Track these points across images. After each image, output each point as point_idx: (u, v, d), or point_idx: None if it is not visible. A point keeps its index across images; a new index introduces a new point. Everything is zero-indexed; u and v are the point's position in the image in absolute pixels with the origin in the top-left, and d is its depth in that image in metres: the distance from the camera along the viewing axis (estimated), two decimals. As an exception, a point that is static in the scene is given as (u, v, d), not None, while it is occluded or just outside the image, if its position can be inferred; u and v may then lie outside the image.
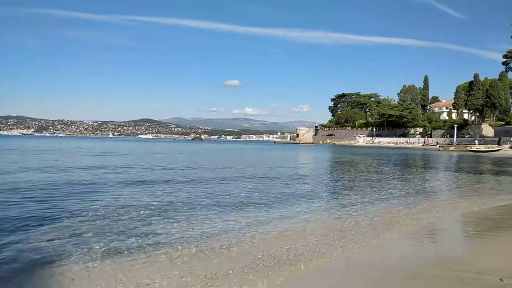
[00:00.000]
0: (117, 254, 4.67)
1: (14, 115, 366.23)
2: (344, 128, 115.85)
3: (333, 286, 3.95)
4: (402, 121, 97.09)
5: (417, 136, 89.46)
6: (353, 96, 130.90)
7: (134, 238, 5.33)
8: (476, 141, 57.48)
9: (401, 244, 5.44)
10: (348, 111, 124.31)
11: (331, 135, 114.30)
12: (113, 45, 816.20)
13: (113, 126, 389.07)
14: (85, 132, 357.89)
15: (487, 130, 76.85)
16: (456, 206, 8.78)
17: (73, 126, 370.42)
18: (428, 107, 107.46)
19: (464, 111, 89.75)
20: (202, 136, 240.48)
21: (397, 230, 6.18)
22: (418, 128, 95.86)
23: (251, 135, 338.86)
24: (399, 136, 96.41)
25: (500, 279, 3.88)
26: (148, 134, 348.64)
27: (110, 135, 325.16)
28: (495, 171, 20.79)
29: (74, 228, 5.79)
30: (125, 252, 4.75)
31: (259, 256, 4.69)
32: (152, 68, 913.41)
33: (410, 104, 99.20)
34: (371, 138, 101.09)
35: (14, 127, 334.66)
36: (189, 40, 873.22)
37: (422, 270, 4.33)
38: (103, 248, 4.86)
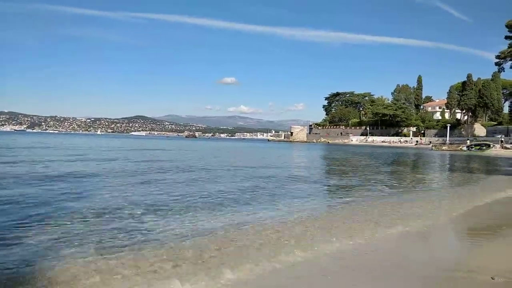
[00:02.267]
0: (111, 252, 4.58)
1: (6, 111, 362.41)
2: (338, 126, 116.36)
3: (329, 282, 3.89)
4: (396, 120, 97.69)
5: (411, 136, 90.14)
6: (347, 95, 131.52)
7: (127, 236, 5.25)
8: (468, 141, 57.92)
9: (393, 244, 5.40)
10: (342, 110, 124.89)
11: (325, 133, 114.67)
12: (107, 42, 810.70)
13: (106, 123, 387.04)
14: (78, 128, 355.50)
15: (480, 130, 77.60)
16: (448, 206, 8.77)
17: (65, 123, 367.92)
18: (422, 107, 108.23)
19: (457, 111, 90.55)
20: (196, 134, 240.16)
21: (389, 230, 6.14)
22: (411, 127, 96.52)
23: (245, 133, 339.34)
24: (393, 135, 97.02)
25: (492, 278, 3.87)
26: (142, 131, 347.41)
27: (99, 132, 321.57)
28: (487, 170, 20.97)
29: (68, 226, 5.70)
30: (118, 250, 4.65)
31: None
32: (149, 66, 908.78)
33: (403, 103, 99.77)
34: (365, 137, 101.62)
35: (6, 123, 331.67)
36: (188, 37, 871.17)
37: (414, 269, 4.30)
38: (97, 246, 4.77)
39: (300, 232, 5.67)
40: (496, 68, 69.18)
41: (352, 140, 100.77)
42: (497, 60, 65.53)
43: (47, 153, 24.39)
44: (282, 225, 6.09)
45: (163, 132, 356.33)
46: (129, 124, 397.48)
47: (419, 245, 5.39)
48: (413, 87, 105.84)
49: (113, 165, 16.72)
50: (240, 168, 17.25)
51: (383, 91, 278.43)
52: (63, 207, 7.05)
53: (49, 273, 3.91)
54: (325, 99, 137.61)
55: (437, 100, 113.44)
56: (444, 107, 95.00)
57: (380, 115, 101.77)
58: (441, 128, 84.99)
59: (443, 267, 4.32)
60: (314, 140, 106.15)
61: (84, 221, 6.01)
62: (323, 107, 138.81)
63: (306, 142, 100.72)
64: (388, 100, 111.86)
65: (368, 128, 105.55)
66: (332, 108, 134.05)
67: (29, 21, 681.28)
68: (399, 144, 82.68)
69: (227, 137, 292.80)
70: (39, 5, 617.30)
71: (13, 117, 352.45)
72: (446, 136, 73.29)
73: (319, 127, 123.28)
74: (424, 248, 5.24)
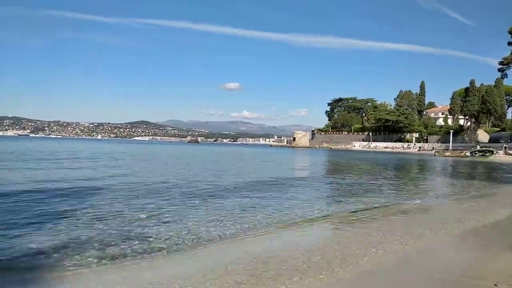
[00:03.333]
0: (113, 258, 4.63)
1: (9, 116, 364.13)
2: (340, 132, 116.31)
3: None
4: (398, 126, 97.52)
5: (413, 142, 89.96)
6: (350, 101, 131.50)
7: (129, 242, 5.30)
8: (478, 146, 57.87)
9: (394, 249, 5.42)
10: (345, 115, 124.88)
11: (327, 139, 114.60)
12: (111, 47, 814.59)
13: (110, 128, 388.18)
14: (81, 133, 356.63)
15: (483, 136, 77.35)
16: (453, 211, 8.78)
17: (69, 128, 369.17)
18: (424, 113, 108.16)
19: (460, 117, 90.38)
20: (199, 139, 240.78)
21: (391, 233, 6.16)
22: (414, 133, 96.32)
23: (247, 138, 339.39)
24: (395, 141, 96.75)
25: (495, 285, 3.88)
26: (145, 137, 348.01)
27: (99, 137, 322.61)
28: (492, 177, 20.94)
29: (71, 231, 5.75)
30: (120, 256, 4.70)
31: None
32: (152, 71, 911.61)
33: (406, 109, 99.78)
34: (367, 142, 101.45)
35: (10, 128, 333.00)
36: (191, 43, 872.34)
37: (417, 274, 4.32)
38: (99, 251, 4.81)
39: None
40: (499, 74, 69.24)
41: (354, 146, 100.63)
42: (500, 66, 65.55)
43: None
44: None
45: (166, 137, 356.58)
46: (132, 129, 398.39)
47: (424, 249, 5.40)
48: (416, 93, 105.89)
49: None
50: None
51: (386, 97, 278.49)
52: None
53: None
54: (328, 105, 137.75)
55: (440, 106, 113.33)
56: (447, 113, 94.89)
57: (383, 120, 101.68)
58: (444, 134, 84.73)
59: (446, 271, 4.33)
60: (317, 146, 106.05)
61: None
62: (326, 112, 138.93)
63: (308, 147, 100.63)
64: (391, 106, 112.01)
65: (370, 134, 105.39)
66: (334, 113, 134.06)
67: (34, 25, 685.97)
68: (402, 150, 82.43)
69: (230, 142, 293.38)
70: (43, 11, 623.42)
71: (16, 122, 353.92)
72: (449, 142, 73.07)
73: (321, 133, 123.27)
74: (427, 252, 5.25)
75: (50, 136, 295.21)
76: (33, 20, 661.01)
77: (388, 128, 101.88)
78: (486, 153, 49.55)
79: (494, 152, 49.44)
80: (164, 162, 26.48)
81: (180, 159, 30.53)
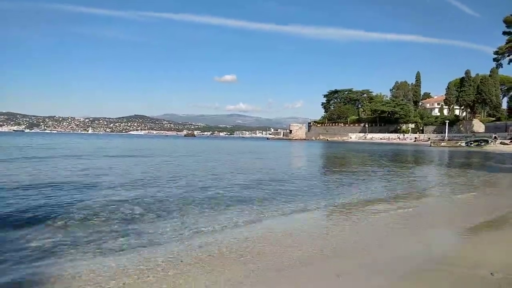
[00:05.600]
0: (109, 254, 4.59)
1: (4, 111, 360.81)
2: (336, 124, 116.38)
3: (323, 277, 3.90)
4: (394, 117, 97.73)
5: (410, 133, 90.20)
6: (346, 92, 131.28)
7: (126, 237, 5.26)
8: (472, 136, 58.27)
9: (392, 239, 5.42)
10: (341, 107, 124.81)
11: (324, 131, 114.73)
12: (105, 40, 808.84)
13: (105, 123, 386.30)
14: (76, 128, 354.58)
15: (478, 126, 77.65)
16: (447, 201, 8.80)
17: (64, 123, 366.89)
18: (420, 103, 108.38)
19: (455, 107, 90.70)
20: (195, 133, 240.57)
21: (387, 224, 6.16)
22: (410, 124, 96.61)
23: (244, 131, 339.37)
24: (391, 132, 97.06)
25: (491, 273, 3.87)
26: (140, 131, 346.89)
27: (90, 131, 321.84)
28: (487, 165, 21.06)
29: (67, 227, 5.70)
30: (117, 252, 4.66)
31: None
32: (147, 64, 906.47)
33: (402, 100, 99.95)
34: (364, 134, 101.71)
35: (4, 123, 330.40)
36: (187, 35, 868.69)
37: (413, 264, 4.31)
38: (95, 247, 4.77)
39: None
40: (494, 64, 69.24)
41: (351, 138, 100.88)
42: (495, 56, 65.49)
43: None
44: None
45: (162, 131, 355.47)
46: (128, 123, 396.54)
47: (418, 238, 5.41)
48: (412, 83, 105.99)
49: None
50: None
51: (382, 88, 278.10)
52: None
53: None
54: (324, 97, 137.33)
55: (435, 97, 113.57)
56: (443, 104, 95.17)
57: (379, 112, 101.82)
58: (439, 125, 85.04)
59: (443, 261, 4.32)
60: (313, 138, 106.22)
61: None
62: (322, 104, 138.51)
63: (305, 140, 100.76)
64: (387, 97, 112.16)
65: (366, 125, 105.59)
66: (330, 105, 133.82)
67: (29, 20, 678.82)
68: (398, 141, 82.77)
69: (226, 135, 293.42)
70: (37, 4, 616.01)
71: (11, 117, 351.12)
72: (445, 133, 73.40)
73: (318, 125, 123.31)
74: (423, 242, 5.25)
75: (45, 131, 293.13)
76: (28, 14, 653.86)
77: (384, 119, 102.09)
78: (481, 143, 49.83)
79: (490, 141, 49.73)
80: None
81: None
